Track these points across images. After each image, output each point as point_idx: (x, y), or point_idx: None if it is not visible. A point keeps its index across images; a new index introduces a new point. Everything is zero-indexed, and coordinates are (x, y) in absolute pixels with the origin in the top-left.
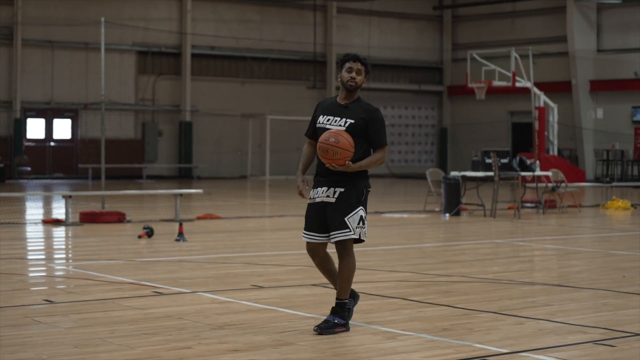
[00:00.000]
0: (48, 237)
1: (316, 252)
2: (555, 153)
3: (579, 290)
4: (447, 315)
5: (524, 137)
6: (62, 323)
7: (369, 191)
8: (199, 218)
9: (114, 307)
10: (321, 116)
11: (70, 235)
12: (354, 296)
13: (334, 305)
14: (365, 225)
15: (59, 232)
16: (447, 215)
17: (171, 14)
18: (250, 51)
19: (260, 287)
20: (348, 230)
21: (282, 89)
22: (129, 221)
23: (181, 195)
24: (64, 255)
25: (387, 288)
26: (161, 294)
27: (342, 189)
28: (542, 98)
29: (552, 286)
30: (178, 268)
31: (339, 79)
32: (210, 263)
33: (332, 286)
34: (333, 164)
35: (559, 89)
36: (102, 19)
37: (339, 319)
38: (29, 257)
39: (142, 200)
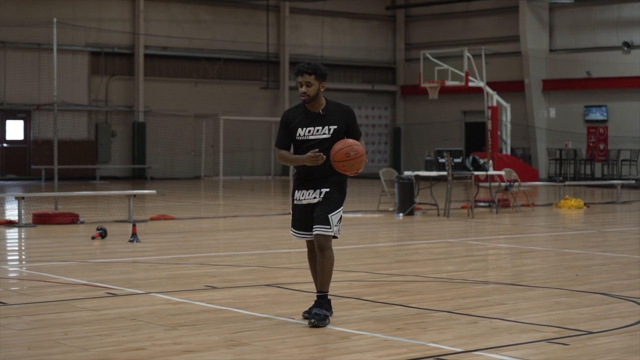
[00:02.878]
0: (1, 239)
1: (313, 248)
2: (509, 152)
3: (532, 289)
4: (401, 315)
5: (477, 137)
6: (16, 325)
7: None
8: (152, 219)
9: (67, 309)
10: (300, 129)
11: (23, 236)
12: (329, 309)
13: (316, 298)
14: (340, 224)
15: (12, 234)
16: (401, 215)
17: (124, 15)
18: (203, 51)
19: (214, 287)
20: (329, 227)
21: (235, 89)
22: (82, 222)
23: (134, 196)
24: (17, 257)
25: (341, 288)
26: (115, 295)
27: (327, 189)
28: (495, 97)
29: (506, 285)
30: (131, 269)
31: None
32: (164, 264)
33: (313, 284)
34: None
35: (511, 88)
36: (55, 20)
37: (324, 311)
38: None
39: (95, 202)
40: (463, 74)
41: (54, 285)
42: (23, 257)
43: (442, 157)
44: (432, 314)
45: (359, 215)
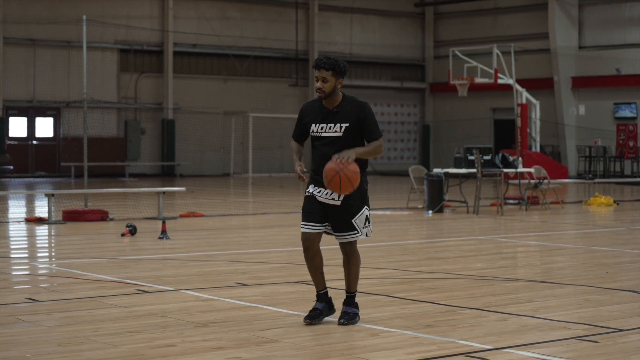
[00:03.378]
0: (31, 236)
1: (311, 243)
2: (538, 150)
3: (562, 287)
4: (431, 312)
5: (507, 134)
6: (46, 321)
7: (367, 186)
8: (182, 216)
9: (97, 306)
10: (313, 125)
11: (53, 233)
12: (330, 309)
13: (346, 297)
14: (371, 223)
15: (42, 231)
16: (430, 212)
17: (153, 12)
18: (232, 49)
19: (244, 284)
20: (356, 232)
21: (264, 87)
22: (112, 219)
23: (164, 193)
24: (47, 254)
25: (371, 285)
26: (145, 292)
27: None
28: (525, 95)
29: (535, 282)
30: (161, 266)
31: None
32: (194, 261)
33: (318, 283)
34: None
35: (541, 85)
36: (84, 17)
37: (354, 309)
38: (12, 256)
39: (125, 199)
40: (492, 71)
41: (84, 282)
42: (53, 254)
43: (472, 154)
44: (461, 311)
45: (388, 212)
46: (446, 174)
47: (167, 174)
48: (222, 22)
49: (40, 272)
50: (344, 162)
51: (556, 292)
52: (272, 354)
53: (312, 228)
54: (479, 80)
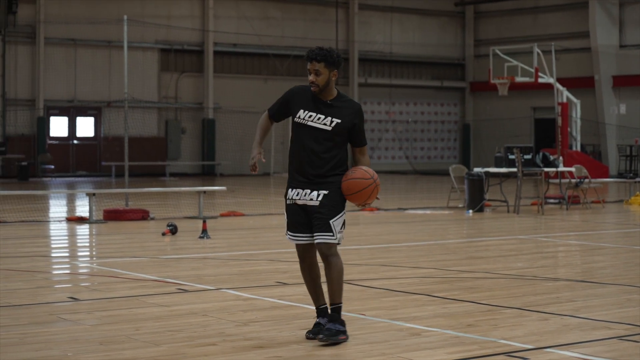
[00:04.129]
0: (72, 235)
1: (305, 254)
2: (579, 149)
3: (603, 286)
4: (472, 312)
5: (547, 133)
6: (87, 320)
7: None
8: (222, 215)
9: (138, 305)
10: (302, 111)
11: (94, 232)
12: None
13: (329, 312)
14: (344, 229)
15: (83, 230)
16: (471, 211)
17: (193, 12)
18: (272, 48)
19: (285, 283)
20: (331, 234)
21: None
22: (152, 219)
23: (204, 192)
24: (88, 253)
25: (411, 284)
26: (185, 291)
27: (326, 191)
28: (565, 94)
29: (576, 282)
30: (202, 265)
31: None
32: (234, 260)
33: (321, 292)
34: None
35: (581, 84)
36: (125, 17)
37: (339, 325)
38: (53, 255)
39: (165, 198)
40: (533, 70)
41: (125, 281)
42: (94, 253)
43: (512, 153)
44: (502, 310)
45: (428, 211)
46: (487, 173)
47: (208, 174)
48: (262, 21)
49: (81, 271)
50: (374, 176)
51: (597, 292)
52: (313, 353)
53: (302, 239)
54: (519, 79)
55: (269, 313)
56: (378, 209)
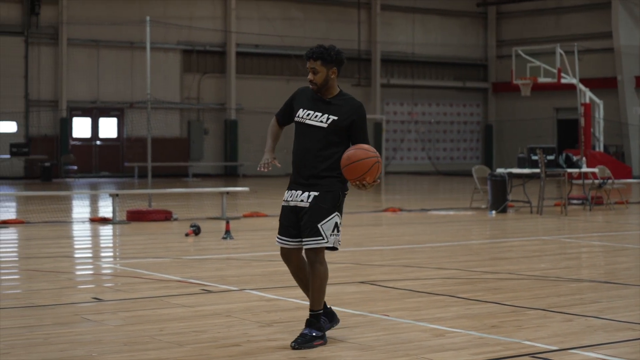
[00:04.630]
0: (95, 236)
1: (289, 258)
2: (602, 149)
3: (627, 287)
4: (495, 312)
5: (570, 134)
6: (111, 321)
7: (345, 194)
8: (245, 216)
9: (162, 305)
10: (301, 110)
11: (117, 233)
12: (332, 319)
13: (307, 317)
14: (340, 233)
15: (106, 231)
16: (494, 212)
17: (215, 13)
18: (294, 49)
19: None
20: (321, 237)
21: None
22: (175, 219)
23: (227, 193)
24: (111, 254)
25: (435, 285)
26: (209, 291)
27: (317, 193)
28: (588, 94)
29: (600, 283)
30: (225, 266)
31: None
32: (258, 260)
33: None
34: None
35: (604, 85)
36: (148, 18)
37: (315, 331)
38: (77, 256)
39: (188, 199)
40: (555, 71)
41: (149, 282)
42: (117, 253)
43: (535, 154)
44: (526, 311)
45: (451, 212)
46: (509, 174)
47: (230, 175)
48: (284, 22)
49: (105, 271)
50: (377, 154)
51: (621, 293)
52: (337, 354)
53: (286, 243)
54: (542, 79)
55: (293, 314)
56: (401, 210)
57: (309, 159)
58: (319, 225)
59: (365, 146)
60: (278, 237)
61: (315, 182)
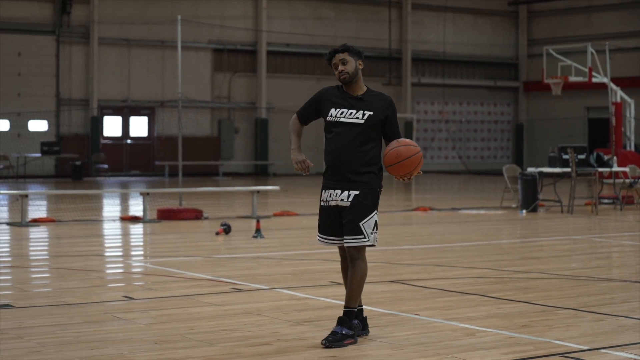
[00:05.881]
0: (126, 234)
1: (343, 254)
2: (633, 149)
3: None
4: (526, 312)
5: (601, 133)
6: (142, 319)
7: (380, 191)
8: (275, 215)
9: (192, 304)
10: (333, 109)
11: (148, 232)
12: (364, 328)
13: (341, 314)
14: (377, 230)
15: (137, 229)
16: (524, 211)
17: (246, 12)
18: (325, 48)
19: (339, 283)
20: (362, 236)
21: None
22: (206, 218)
23: (258, 192)
24: (142, 252)
25: (465, 284)
26: (239, 290)
27: (357, 192)
28: (619, 93)
29: (631, 283)
30: (256, 265)
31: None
32: (288, 259)
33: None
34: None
35: (635, 84)
36: (179, 17)
37: (346, 329)
38: (107, 254)
39: (219, 197)
40: (586, 70)
41: (179, 280)
42: (148, 252)
43: (566, 153)
44: (557, 311)
45: (482, 212)
46: (540, 173)
47: (260, 173)
48: (315, 21)
49: (135, 270)
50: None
51: None
52: (368, 353)
53: (331, 242)
54: (573, 79)
55: (323, 313)
56: (431, 209)
57: (350, 155)
58: (360, 224)
59: (407, 140)
60: (320, 236)
61: (357, 179)
